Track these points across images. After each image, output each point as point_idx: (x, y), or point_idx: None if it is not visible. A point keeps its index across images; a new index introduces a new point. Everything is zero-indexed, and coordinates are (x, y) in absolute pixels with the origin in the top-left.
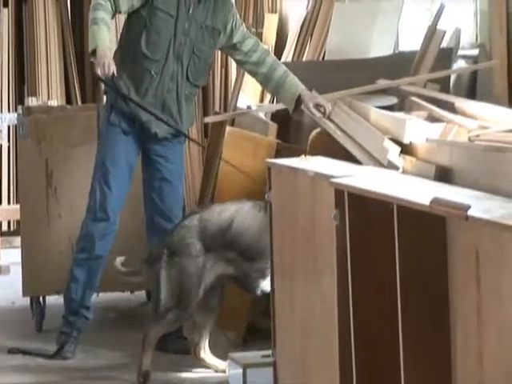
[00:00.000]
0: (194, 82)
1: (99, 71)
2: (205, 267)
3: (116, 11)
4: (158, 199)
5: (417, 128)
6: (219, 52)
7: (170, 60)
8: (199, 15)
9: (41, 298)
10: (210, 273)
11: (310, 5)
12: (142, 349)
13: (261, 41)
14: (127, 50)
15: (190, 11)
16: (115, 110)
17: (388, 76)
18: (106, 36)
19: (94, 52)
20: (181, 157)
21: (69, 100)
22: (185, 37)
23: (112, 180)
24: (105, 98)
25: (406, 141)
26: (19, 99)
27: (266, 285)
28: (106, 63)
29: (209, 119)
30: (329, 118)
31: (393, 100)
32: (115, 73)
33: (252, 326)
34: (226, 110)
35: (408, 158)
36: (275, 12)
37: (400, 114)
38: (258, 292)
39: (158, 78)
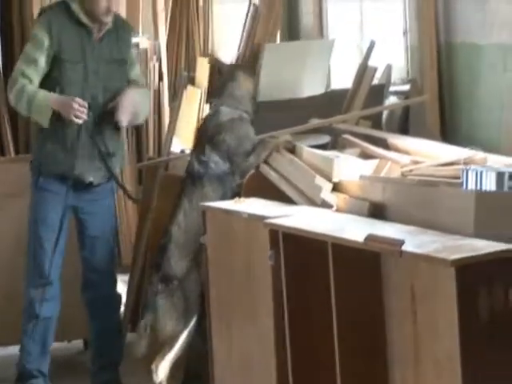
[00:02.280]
0: (111, 121)
1: (76, 113)
2: None
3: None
4: (89, 255)
5: (346, 165)
6: (152, 96)
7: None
8: (105, 51)
9: None
10: None
11: (240, 47)
12: None
13: (194, 84)
14: None
15: (96, 50)
16: (43, 174)
17: (321, 115)
18: (47, 94)
19: (53, 114)
20: (111, 206)
21: (2, 151)
22: (96, 77)
23: (46, 244)
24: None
25: (334, 179)
26: None
27: None
28: (74, 104)
29: (142, 165)
30: (265, 162)
31: (326, 138)
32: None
33: (190, 373)
34: (159, 156)
35: (341, 195)
36: (207, 55)
37: (330, 153)
38: None
39: (82, 129)
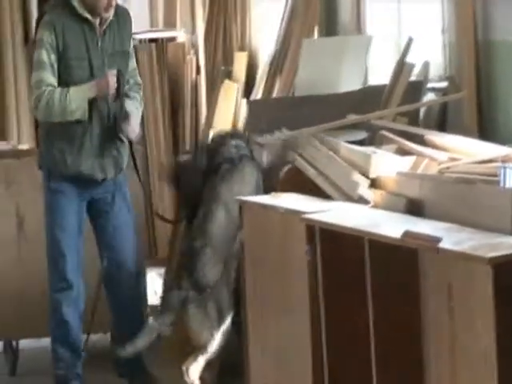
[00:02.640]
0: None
1: (107, 90)
2: None
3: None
4: (113, 245)
5: (384, 162)
6: (189, 90)
7: (94, 104)
8: (107, 44)
9: (14, 342)
10: None
11: (278, 41)
12: None
13: (231, 79)
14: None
15: (99, 45)
16: (53, 176)
17: (358, 111)
18: (74, 88)
19: (91, 104)
20: (128, 195)
21: (39, 143)
22: (101, 72)
23: (65, 248)
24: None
25: (372, 175)
26: None
27: None
28: (110, 78)
29: (180, 159)
30: (299, 155)
31: (363, 134)
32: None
33: (225, 365)
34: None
35: (378, 191)
36: (244, 50)
37: (367, 149)
38: None
39: (89, 126)
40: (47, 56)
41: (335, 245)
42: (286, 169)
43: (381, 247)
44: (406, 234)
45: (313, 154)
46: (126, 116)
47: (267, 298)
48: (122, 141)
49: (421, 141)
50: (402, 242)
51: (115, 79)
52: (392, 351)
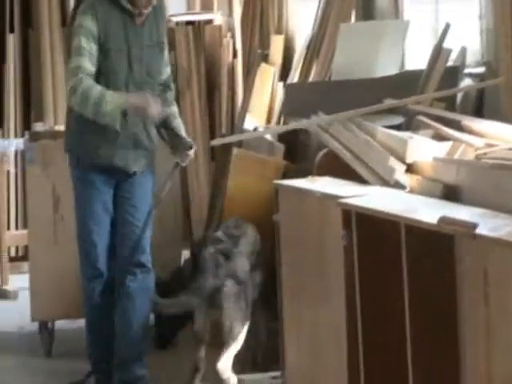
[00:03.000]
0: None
1: (153, 111)
2: None
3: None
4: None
5: (420, 147)
6: (226, 73)
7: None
8: (146, 36)
9: (49, 323)
10: None
11: (315, 25)
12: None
13: (267, 62)
14: None
15: (138, 36)
16: (82, 164)
17: (394, 95)
18: (113, 94)
19: (125, 114)
20: (150, 190)
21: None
22: (139, 63)
23: (96, 237)
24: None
25: (408, 160)
26: (26, 124)
27: None
28: (151, 101)
29: (215, 142)
30: (336, 138)
31: (400, 119)
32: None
33: (262, 348)
34: (232, 133)
35: (414, 176)
36: (281, 33)
37: (404, 134)
38: None
39: (124, 117)
40: (87, 43)
41: (371, 230)
42: (322, 153)
43: (417, 232)
44: (443, 219)
45: (349, 139)
46: (190, 146)
47: (302, 283)
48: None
49: (458, 126)
50: (439, 227)
51: (159, 109)
52: (427, 336)
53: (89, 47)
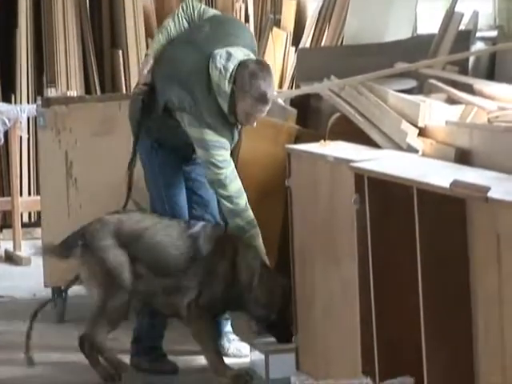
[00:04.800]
0: None
1: None
2: (123, 257)
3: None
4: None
5: (432, 110)
6: None
7: None
8: None
9: (62, 289)
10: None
11: None
12: (103, 358)
13: (279, 27)
14: None
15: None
16: (162, 145)
17: (406, 59)
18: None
19: None
20: None
21: (88, 90)
22: None
23: (179, 202)
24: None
25: (420, 124)
26: (38, 90)
27: (175, 303)
28: None
29: None
30: (348, 103)
31: (412, 83)
32: None
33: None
34: None
35: (427, 140)
36: None
37: (417, 97)
38: (167, 312)
39: None
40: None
41: (384, 193)
42: (334, 117)
43: (429, 196)
44: (455, 183)
45: (361, 103)
46: None
47: (315, 247)
48: None
49: (470, 90)
50: (451, 191)
51: None
52: (440, 300)
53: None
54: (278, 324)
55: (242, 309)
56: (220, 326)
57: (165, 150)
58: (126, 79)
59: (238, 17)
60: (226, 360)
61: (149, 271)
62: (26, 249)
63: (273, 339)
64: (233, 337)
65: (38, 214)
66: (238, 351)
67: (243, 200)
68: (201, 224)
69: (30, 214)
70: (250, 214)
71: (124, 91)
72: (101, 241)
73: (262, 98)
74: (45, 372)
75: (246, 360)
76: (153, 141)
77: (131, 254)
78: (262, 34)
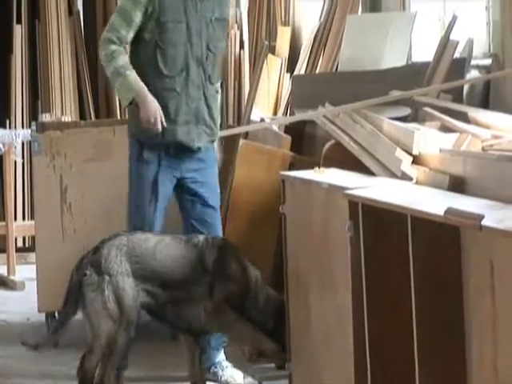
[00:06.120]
0: (214, 82)
1: (150, 125)
2: (136, 287)
3: (125, 46)
4: (198, 225)
5: (427, 138)
6: (233, 65)
7: (191, 68)
8: (208, 10)
9: (56, 314)
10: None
11: (322, 17)
12: None
13: (274, 53)
14: (143, 79)
15: (198, 9)
16: (148, 147)
17: (401, 87)
18: (137, 80)
19: (131, 102)
20: (216, 174)
21: (82, 115)
22: (199, 38)
23: (152, 223)
24: (127, 130)
25: (415, 151)
26: (33, 115)
27: (180, 313)
28: (158, 118)
29: (222, 133)
30: (342, 130)
31: (406, 111)
32: (164, 124)
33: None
34: (239, 124)
35: (421, 168)
36: (288, 25)
37: (411, 125)
38: (180, 325)
39: (185, 92)
40: (131, 9)
41: (378, 221)
42: (328, 144)
43: (423, 224)
44: (449, 211)
45: (356, 130)
46: None
47: (309, 273)
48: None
49: (464, 118)
50: (445, 219)
51: (159, 126)
52: (434, 327)
53: (131, 15)
54: (273, 339)
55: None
56: (211, 352)
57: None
58: (120, 104)
59: (233, 43)
60: None
61: (159, 288)
62: (20, 273)
63: (266, 366)
64: (226, 364)
65: (33, 238)
66: (232, 378)
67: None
68: (201, 236)
69: (24, 239)
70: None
71: (118, 116)
72: (118, 267)
73: None
74: None
75: None
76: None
77: (143, 274)
78: (256, 61)
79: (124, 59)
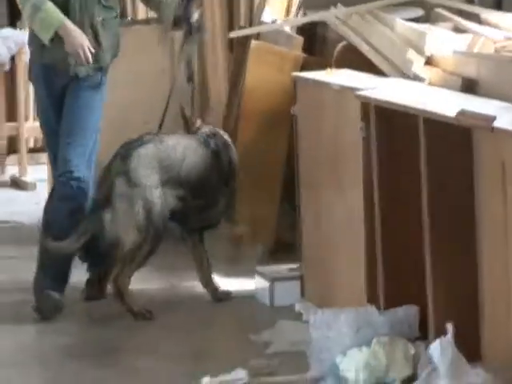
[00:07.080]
0: (106, 4)
1: (81, 56)
2: (164, 198)
3: None
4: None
5: (439, 39)
6: None
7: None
8: None
9: None
10: (167, 206)
11: None
12: (122, 300)
13: None
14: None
15: None
16: (36, 62)
17: None
18: (57, 11)
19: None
20: (92, 101)
21: None
22: None
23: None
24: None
25: (427, 53)
26: None
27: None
28: (86, 49)
29: (234, 34)
30: (354, 31)
31: (419, 12)
32: (92, 50)
33: (279, 240)
34: (251, 25)
35: (434, 69)
36: None
37: (423, 26)
38: (199, 225)
39: (66, 15)
40: None
41: (389, 121)
42: (340, 46)
43: (435, 125)
44: (461, 112)
45: (368, 31)
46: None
47: (321, 174)
48: None
49: (477, 19)
50: (457, 120)
51: (89, 56)
52: (445, 230)
53: None
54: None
55: None
56: None
57: None
58: None
59: None
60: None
61: (188, 194)
62: (31, 174)
63: (277, 268)
64: None
65: None
66: None
67: None
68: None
69: (35, 140)
70: None
71: None
72: (148, 178)
73: None
74: None
75: (252, 288)
76: None
77: (174, 181)
78: None
79: None
